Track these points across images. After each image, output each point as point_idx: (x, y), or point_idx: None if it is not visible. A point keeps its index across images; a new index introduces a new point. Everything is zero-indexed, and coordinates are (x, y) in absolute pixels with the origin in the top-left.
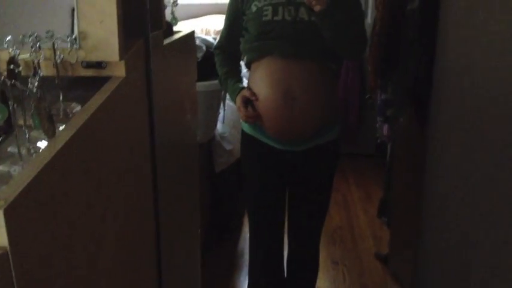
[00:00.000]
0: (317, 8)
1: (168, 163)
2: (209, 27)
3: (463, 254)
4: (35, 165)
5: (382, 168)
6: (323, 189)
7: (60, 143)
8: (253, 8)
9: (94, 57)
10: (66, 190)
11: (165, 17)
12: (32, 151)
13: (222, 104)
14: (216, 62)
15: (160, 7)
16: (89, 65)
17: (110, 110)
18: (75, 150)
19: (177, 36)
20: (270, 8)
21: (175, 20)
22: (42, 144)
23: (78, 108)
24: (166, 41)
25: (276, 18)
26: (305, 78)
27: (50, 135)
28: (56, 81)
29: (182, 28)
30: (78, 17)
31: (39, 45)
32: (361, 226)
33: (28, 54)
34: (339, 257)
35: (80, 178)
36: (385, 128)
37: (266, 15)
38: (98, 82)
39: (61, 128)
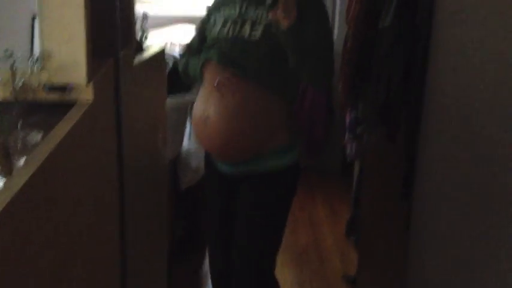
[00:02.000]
0: (285, 23)
1: (136, 186)
2: (176, 40)
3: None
4: None
5: (349, 186)
6: (264, 217)
7: (17, 184)
8: (211, 20)
9: (58, 80)
10: (26, 235)
11: (135, 34)
12: None
13: (188, 119)
14: (181, 64)
15: (130, 23)
16: (53, 88)
17: (76, 140)
18: (36, 190)
19: (147, 54)
20: (221, 22)
21: (145, 38)
22: None
23: (39, 137)
24: (137, 60)
25: (221, 33)
26: (224, 97)
27: (6, 173)
28: (14, 107)
29: (148, 41)
30: (41, 35)
31: None
32: (328, 246)
33: None
34: (305, 278)
35: (40, 220)
36: (354, 145)
37: (216, 29)
38: (61, 107)
39: (20, 162)
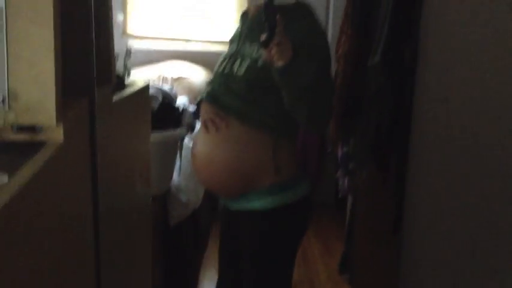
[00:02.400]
0: (279, 63)
1: (114, 231)
2: (167, 75)
3: None
4: None
5: (343, 220)
6: (246, 258)
7: None
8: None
9: (26, 120)
10: None
11: (115, 70)
12: None
13: (178, 154)
14: None
15: (110, 58)
16: (21, 128)
17: (43, 183)
18: None
19: (129, 91)
20: (222, 58)
21: (128, 74)
22: None
23: (5, 179)
24: (116, 98)
25: (218, 69)
26: (209, 133)
27: None
28: None
29: (137, 75)
30: (7, 73)
31: None
32: (321, 282)
33: None
34: None
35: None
36: (346, 180)
37: (216, 65)
38: (30, 147)
39: None
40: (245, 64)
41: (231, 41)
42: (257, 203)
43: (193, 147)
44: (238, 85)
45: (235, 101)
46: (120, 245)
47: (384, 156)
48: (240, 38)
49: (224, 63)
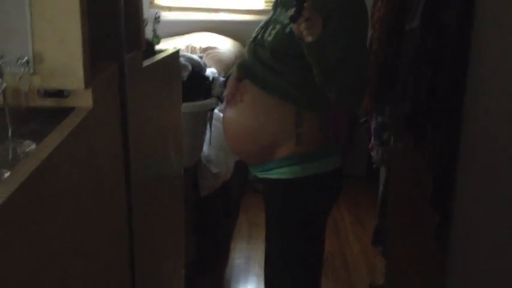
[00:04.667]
0: (308, 39)
1: (147, 201)
2: (195, 45)
3: None
4: None
5: (375, 192)
6: (271, 229)
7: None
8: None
9: (52, 85)
10: (7, 263)
11: (144, 36)
12: None
13: (208, 125)
14: None
15: (138, 24)
16: (48, 93)
17: (72, 150)
18: (22, 207)
19: (159, 57)
20: (260, 24)
21: (157, 39)
22: None
23: (33, 147)
24: (146, 63)
25: (254, 35)
26: (234, 101)
27: None
28: (3, 114)
29: (166, 46)
30: (32, 35)
31: None
32: (354, 254)
33: None
34: (331, 286)
35: (27, 246)
36: (380, 151)
37: (255, 31)
38: (59, 114)
39: (6, 175)
40: (274, 31)
41: (272, 7)
42: (276, 172)
43: (223, 113)
44: (265, 52)
45: (261, 69)
46: (153, 214)
47: (421, 127)
48: (277, 4)
49: (259, 30)
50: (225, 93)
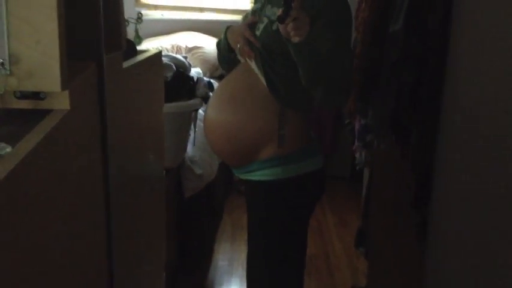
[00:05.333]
0: (295, 39)
1: (126, 203)
2: (181, 44)
3: None
4: None
5: (359, 193)
6: (253, 230)
7: None
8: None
9: (29, 86)
10: None
11: (125, 36)
12: None
13: (192, 126)
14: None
15: (119, 23)
16: (24, 95)
17: (48, 152)
18: None
19: (140, 57)
20: (243, 16)
21: (139, 39)
22: None
23: (9, 150)
24: (127, 64)
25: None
26: (222, 93)
27: None
28: None
29: (151, 46)
30: (8, 36)
31: None
32: (337, 255)
33: None
34: None
35: (2, 251)
36: (364, 153)
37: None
38: (35, 116)
39: None
40: (263, 25)
41: (255, 1)
42: (258, 174)
43: (205, 112)
44: (250, 47)
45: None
46: (132, 216)
47: (403, 129)
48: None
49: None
50: (239, 45)
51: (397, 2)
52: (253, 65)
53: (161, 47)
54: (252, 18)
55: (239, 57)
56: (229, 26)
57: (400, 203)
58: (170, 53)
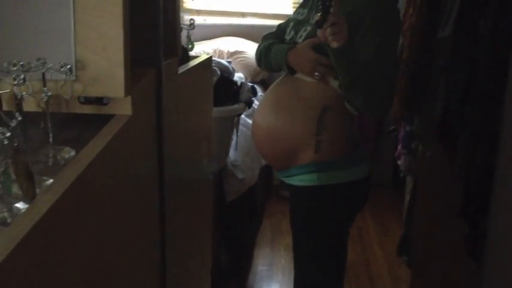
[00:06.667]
0: (334, 44)
1: (179, 206)
2: (223, 49)
3: None
4: (6, 240)
5: (400, 200)
6: (295, 234)
7: (39, 211)
8: (290, 20)
9: (93, 92)
10: (49, 268)
11: (180, 42)
12: (7, 216)
13: (235, 130)
14: (260, 45)
15: (176, 31)
16: (88, 100)
17: (112, 158)
18: (62, 217)
19: (193, 63)
20: (290, 24)
21: (191, 45)
22: (21, 206)
23: (73, 153)
24: (181, 69)
25: (286, 35)
26: (268, 98)
27: (29, 197)
28: (45, 120)
29: (195, 51)
30: (74, 42)
31: (24, 77)
32: (378, 263)
33: (13, 86)
34: None
35: (67, 251)
36: (408, 160)
37: (285, 31)
38: (97, 121)
39: (48, 182)
40: (305, 33)
41: (302, 5)
42: (297, 179)
43: (253, 117)
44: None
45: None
46: (184, 219)
47: (451, 137)
48: (309, 6)
49: (289, 29)
50: (317, 73)
51: (446, 7)
52: (332, 82)
53: (203, 51)
54: (313, 40)
55: (312, 78)
56: (290, 48)
57: (445, 212)
58: (214, 58)
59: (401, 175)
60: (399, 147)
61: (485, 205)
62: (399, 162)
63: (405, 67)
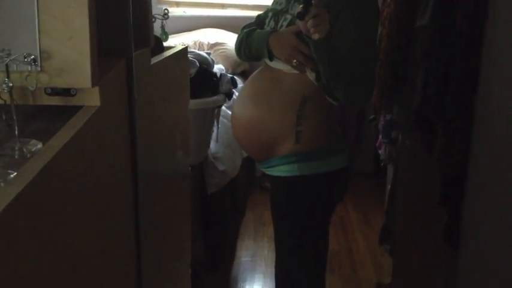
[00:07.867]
0: (315, 36)
1: (154, 198)
2: (203, 41)
3: None
4: None
5: (382, 189)
6: (276, 224)
7: (0, 205)
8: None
9: (60, 83)
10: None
11: (153, 32)
12: None
13: (215, 122)
14: (239, 35)
15: (147, 20)
16: (55, 92)
17: (79, 149)
18: (24, 212)
19: (167, 53)
20: (269, 14)
21: (165, 35)
22: None
23: (39, 146)
24: (155, 60)
25: (266, 26)
26: (247, 90)
27: None
28: (10, 113)
29: (173, 42)
30: (39, 32)
31: None
32: (360, 252)
33: None
34: (337, 286)
35: (36, 244)
36: (388, 149)
37: (264, 21)
38: (66, 113)
39: (13, 176)
40: (286, 22)
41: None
42: (278, 170)
43: (232, 108)
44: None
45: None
46: (159, 212)
47: (429, 124)
48: None
49: (268, 19)
50: (295, 61)
51: None
52: (309, 74)
53: (183, 43)
54: (297, 27)
55: (290, 66)
56: (271, 32)
57: (426, 201)
58: (193, 50)
59: (382, 164)
60: (380, 136)
61: (462, 193)
62: (380, 151)
63: (384, 56)
